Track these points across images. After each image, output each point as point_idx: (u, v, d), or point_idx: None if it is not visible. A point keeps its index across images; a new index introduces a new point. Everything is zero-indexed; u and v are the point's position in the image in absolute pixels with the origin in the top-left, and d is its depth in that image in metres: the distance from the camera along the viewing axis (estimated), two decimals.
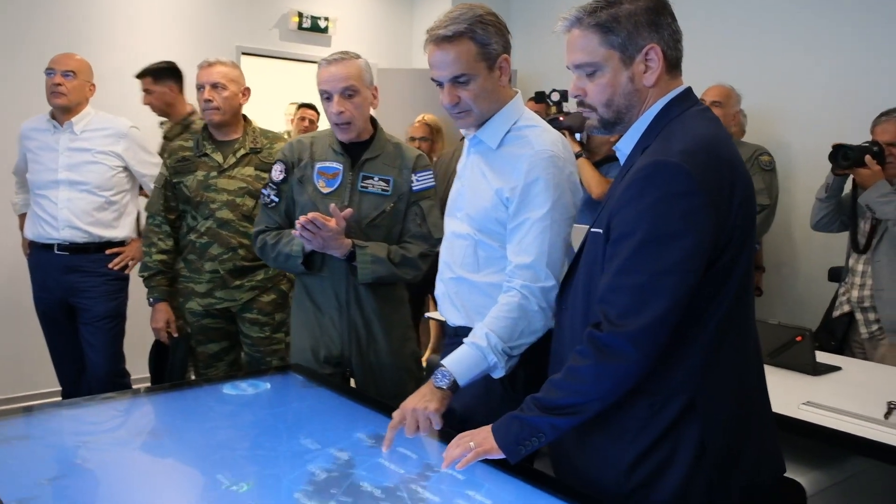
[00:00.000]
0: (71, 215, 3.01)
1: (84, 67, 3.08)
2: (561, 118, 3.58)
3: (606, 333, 1.27)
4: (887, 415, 1.84)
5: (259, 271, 2.70)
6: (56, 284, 3.07)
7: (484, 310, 1.74)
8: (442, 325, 3.95)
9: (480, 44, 1.66)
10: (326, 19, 4.99)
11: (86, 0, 4.17)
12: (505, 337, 1.60)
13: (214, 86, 2.62)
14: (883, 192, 2.73)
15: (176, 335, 2.76)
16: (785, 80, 3.88)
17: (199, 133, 2.76)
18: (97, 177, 3.04)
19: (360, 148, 2.20)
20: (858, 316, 2.89)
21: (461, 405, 1.72)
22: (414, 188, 2.20)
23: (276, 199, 2.24)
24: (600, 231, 1.36)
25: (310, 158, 2.22)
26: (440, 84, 1.71)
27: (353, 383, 2.31)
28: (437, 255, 1.98)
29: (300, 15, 4.87)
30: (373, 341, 2.23)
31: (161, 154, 3.31)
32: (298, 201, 2.22)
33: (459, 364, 1.59)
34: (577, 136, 3.50)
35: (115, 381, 3.07)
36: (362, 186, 2.17)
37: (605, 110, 1.40)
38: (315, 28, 4.95)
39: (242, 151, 2.70)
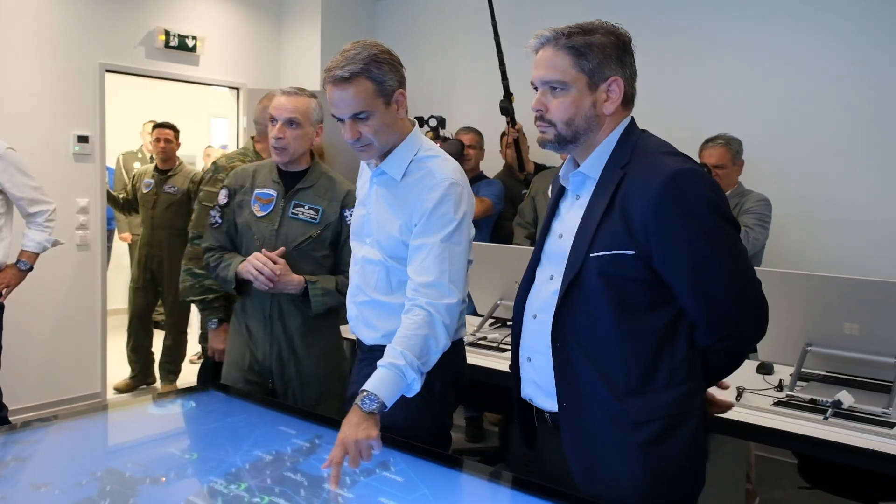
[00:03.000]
0: None
1: None
2: (438, 144, 3.83)
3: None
4: (738, 397, 2.22)
5: None
6: None
7: (399, 328, 1.86)
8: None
9: (376, 82, 1.75)
10: (194, 38, 4.95)
11: None
12: (418, 354, 1.64)
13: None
14: None
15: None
16: None
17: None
18: None
19: (296, 177, 2.36)
20: None
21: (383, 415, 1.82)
22: (348, 222, 2.30)
23: (220, 221, 2.40)
24: (630, 253, 1.41)
25: (250, 185, 2.38)
26: (341, 120, 1.79)
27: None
28: None
29: (167, 33, 4.79)
30: (293, 356, 2.35)
31: None
32: (237, 223, 2.39)
33: (383, 386, 1.59)
34: None
35: None
36: (292, 213, 2.32)
37: (564, 127, 1.49)
38: (182, 47, 4.89)
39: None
